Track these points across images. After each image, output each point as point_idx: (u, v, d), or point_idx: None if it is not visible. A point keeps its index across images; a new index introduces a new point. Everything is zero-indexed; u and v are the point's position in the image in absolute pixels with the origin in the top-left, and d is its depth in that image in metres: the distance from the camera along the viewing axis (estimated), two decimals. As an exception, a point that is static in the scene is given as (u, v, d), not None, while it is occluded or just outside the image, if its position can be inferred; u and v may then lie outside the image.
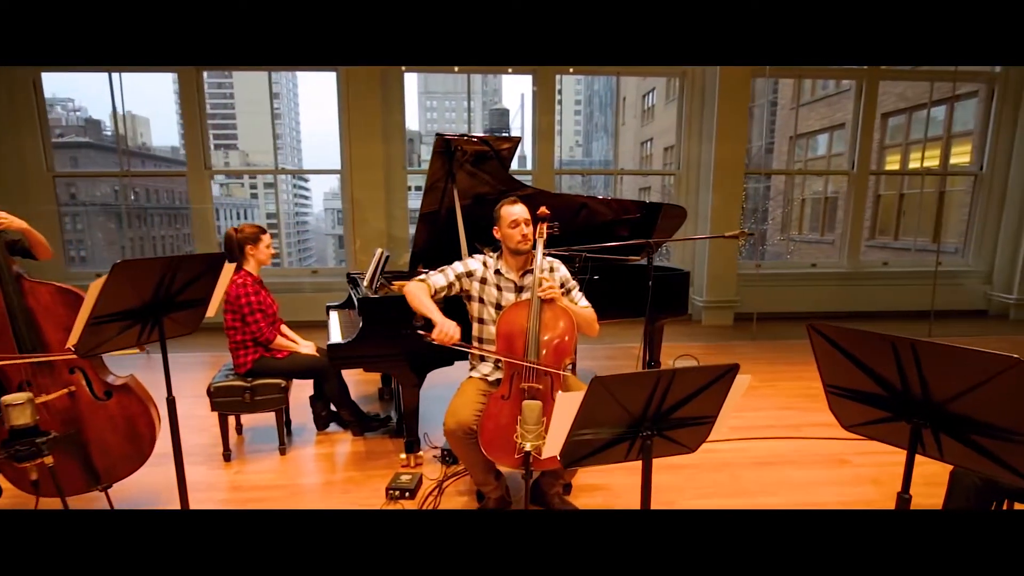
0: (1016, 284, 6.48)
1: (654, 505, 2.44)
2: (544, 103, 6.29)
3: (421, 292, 2.36)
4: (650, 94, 22.92)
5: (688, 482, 2.77)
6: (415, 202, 6.49)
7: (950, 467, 1.71)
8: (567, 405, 1.47)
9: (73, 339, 1.70)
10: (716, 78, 5.90)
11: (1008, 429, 1.09)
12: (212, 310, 2.14)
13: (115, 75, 5.95)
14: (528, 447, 1.75)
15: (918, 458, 1.25)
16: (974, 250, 6.90)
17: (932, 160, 8.59)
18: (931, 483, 1.97)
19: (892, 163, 12.11)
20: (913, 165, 10.59)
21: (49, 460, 1.57)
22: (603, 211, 3.79)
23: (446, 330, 2.18)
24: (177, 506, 2.04)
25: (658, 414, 1.52)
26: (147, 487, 2.62)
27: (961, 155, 8.03)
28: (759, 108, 15.79)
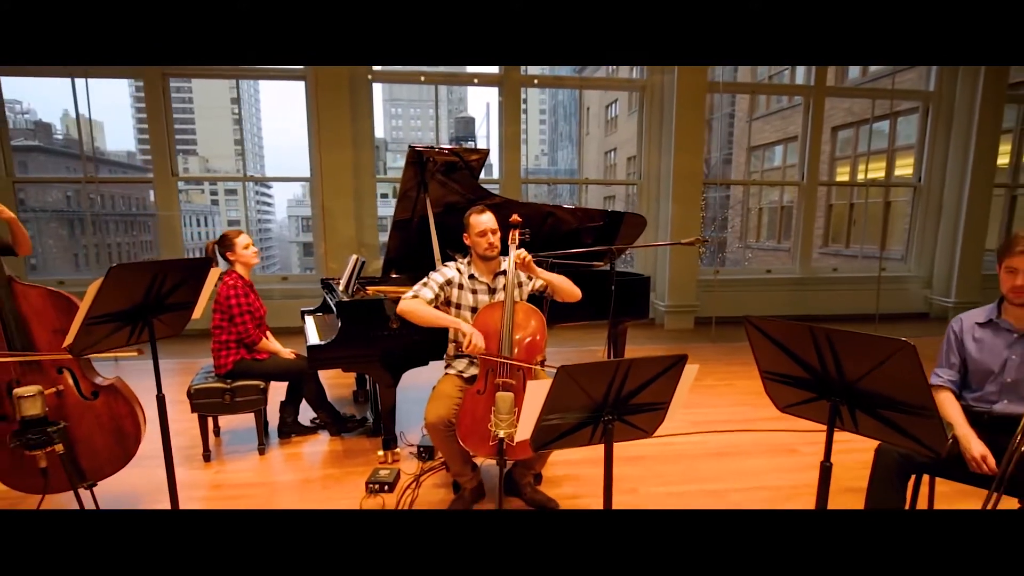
0: (953, 288, 6.95)
1: (616, 492, 2.64)
2: (510, 113, 6.50)
3: (423, 307, 2.47)
4: (613, 105, 23.45)
5: (648, 472, 2.97)
6: (384, 209, 6.62)
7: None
8: (537, 392, 1.63)
9: (69, 339, 1.80)
10: (674, 92, 6.20)
11: (905, 402, 1.31)
12: (198, 312, 2.24)
13: (78, 79, 5.90)
14: (502, 434, 1.91)
15: (857, 450, 1.46)
16: (915, 257, 7.37)
17: (880, 172, 9.12)
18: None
19: (843, 174, 12.77)
20: (861, 177, 11.20)
21: (59, 448, 1.66)
22: (568, 219, 3.99)
23: (476, 341, 2.30)
24: (160, 505, 2.13)
25: (618, 400, 1.70)
26: (129, 487, 2.68)
27: (905, 167, 8.55)
28: (717, 120, 16.40)
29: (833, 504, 2.47)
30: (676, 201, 6.33)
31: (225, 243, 3.06)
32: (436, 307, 2.56)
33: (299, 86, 6.25)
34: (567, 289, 2.60)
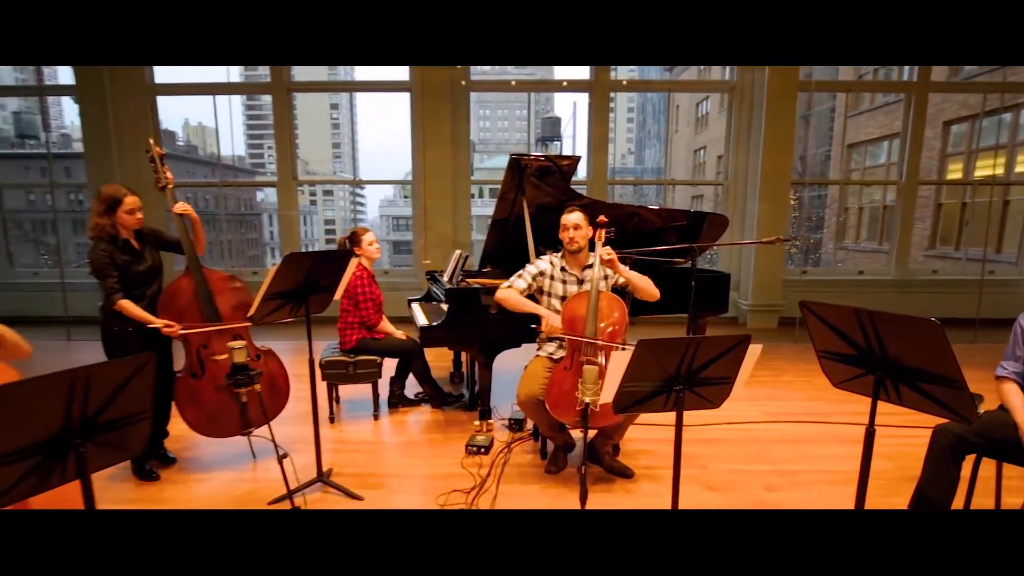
0: (1072, 293, 6.50)
1: (687, 467, 2.95)
2: (598, 115, 6.78)
3: (515, 296, 2.88)
4: (704, 102, 22.98)
5: (720, 451, 3.21)
6: (476, 209, 7.11)
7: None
8: (619, 362, 1.97)
9: (252, 310, 2.33)
10: (764, 92, 6.25)
11: (938, 375, 1.53)
12: (338, 295, 2.75)
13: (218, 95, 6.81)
14: (587, 400, 2.26)
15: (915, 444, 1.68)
16: (1028, 259, 6.94)
17: (999, 168, 8.53)
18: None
19: (955, 171, 11.96)
20: (979, 173, 10.47)
21: (258, 388, 2.18)
22: (652, 219, 4.25)
23: (553, 322, 2.69)
24: (308, 455, 2.65)
25: (688, 373, 1.99)
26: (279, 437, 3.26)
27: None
28: (816, 116, 15.74)
29: (899, 488, 2.63)
30: (763, 201, 6.37)
31: (354, 239, 3.60)
32: (529, 296, 2.94)
33: (393, 96, 6.86)
34: (646, 289, 2.89)
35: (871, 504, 2.57)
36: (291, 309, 2.53)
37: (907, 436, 3.21)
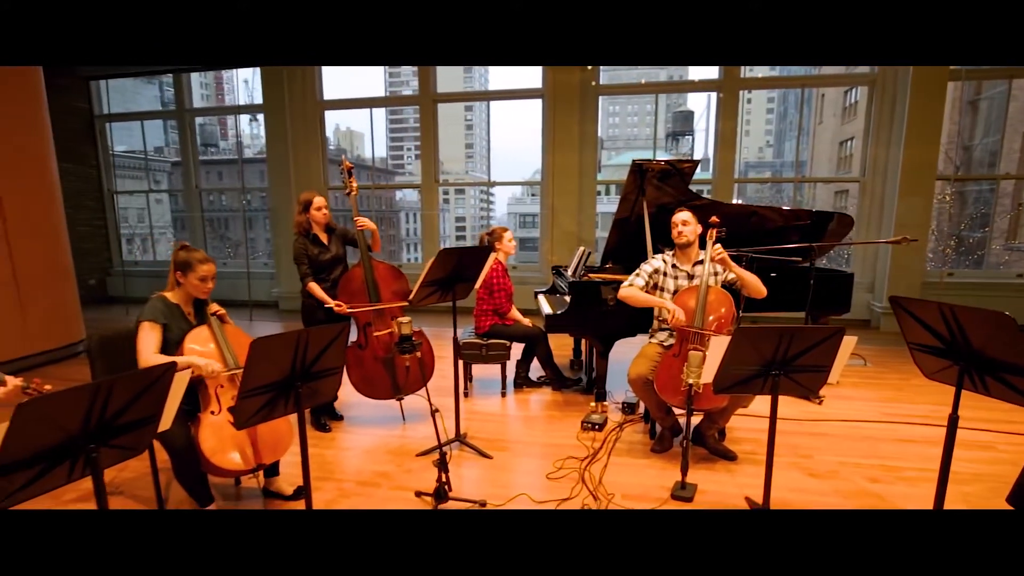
0: None
1: (793, 456, 3.12)
2: (727, 110, 6.78)
3: (637, 292, 3.18)
4: (852, 90, 21.19)
5: (829, 445, 3.29)
6: (599, 207, 7.41)
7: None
8: (720, 346, 2.24)
9: (413, 295, 2.90)
10: (908, 82, 5.91)
11: (1015, 364, 1.65)
12: (478, 284, 3.25)
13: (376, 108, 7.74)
14: (691, 381, 2.54)
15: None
16: None
17: None
18: None
19: None
20: None
21: (419, 355, 2.75)
22: (774, 218, 4.33)
23: (679, 316, 2.98)
24: (447, 424, 3.18)
25: (784, 359, 2.21)
26: (422, 407, 3.87)
27: None
28: (985, 102, 14.00)
29: (998, 487, 2.62)
30: (903, 196, 6.03)
31: (494, 235, 4.13)
32: (647, 291, 3.25)
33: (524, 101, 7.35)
34: (754, 286, 3.07)
35: (986, 504, 2.60)
36: (440, 295, 3.07)
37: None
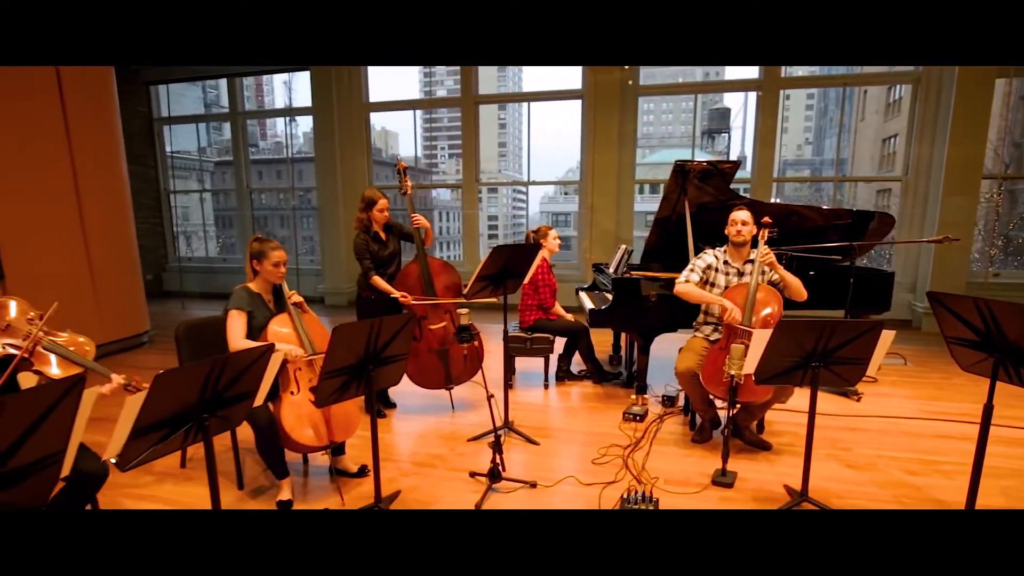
0: None
1: (832, 448, 3.22)
2: (766, 110, 6.81)
3: (694, 288, 3.27)
4: (896, 86, 20.64)
5: (868, 439, 3.38)
6: (637, 205, 7.52)
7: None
8: (762, 337, 2.38)
9: (467, 289, 3.10)
10: (953, 81, 5.87)
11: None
12: (527, 279, 3.44)
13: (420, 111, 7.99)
14: (733, 372, 2.68)
15: None
16: None
17: None
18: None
19: None
20: None
21: (476, 343, 2.94)
22: (814, 217, 4.39)
23: (735, 315, 3.08)
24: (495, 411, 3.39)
25: (824, 352, 2.34)
26: (472, 398, 4.08)
27: None
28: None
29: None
30: (947, 195, 5.99)
31: (539, 233, 4.31)
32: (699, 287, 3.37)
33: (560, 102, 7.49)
34: (796, 289, 3.18)
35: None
36: (492, 290, 3.27)
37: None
